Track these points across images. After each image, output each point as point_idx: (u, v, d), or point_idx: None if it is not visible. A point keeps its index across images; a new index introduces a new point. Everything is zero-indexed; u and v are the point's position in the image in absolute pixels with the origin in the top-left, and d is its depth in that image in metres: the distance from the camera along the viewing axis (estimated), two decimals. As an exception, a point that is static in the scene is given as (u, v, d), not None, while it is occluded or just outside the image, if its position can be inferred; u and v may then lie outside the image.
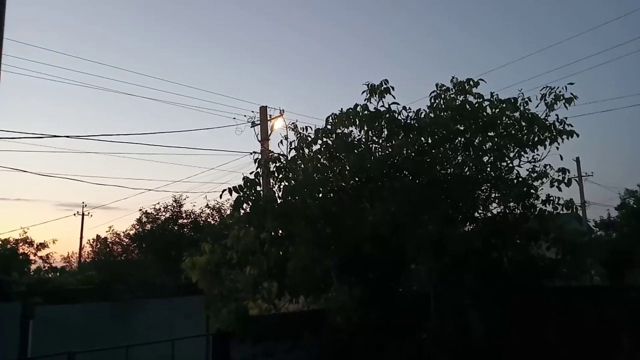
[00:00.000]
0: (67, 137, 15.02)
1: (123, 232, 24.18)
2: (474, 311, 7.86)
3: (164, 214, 23.04)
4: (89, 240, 29.00)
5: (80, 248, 35.76)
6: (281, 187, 9.08)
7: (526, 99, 8.99)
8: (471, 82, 9.15)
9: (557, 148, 8.86)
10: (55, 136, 14.40)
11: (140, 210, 23.41)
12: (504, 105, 8.98)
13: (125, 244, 24.06)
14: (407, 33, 76.08)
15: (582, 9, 64.43)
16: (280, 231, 9.37)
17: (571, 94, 8.78)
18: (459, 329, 7.91)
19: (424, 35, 76.63)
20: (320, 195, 8.86)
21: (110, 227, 31.33)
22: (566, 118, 8.85)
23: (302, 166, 9.10)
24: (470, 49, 77.20)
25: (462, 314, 7.96)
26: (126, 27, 65.40)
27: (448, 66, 72.02)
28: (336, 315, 8.17)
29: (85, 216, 42.16)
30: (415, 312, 8.13)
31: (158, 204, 23.64)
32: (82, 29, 64.08)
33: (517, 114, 8.98)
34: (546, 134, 8.81)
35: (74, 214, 42.34)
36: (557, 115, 8.84)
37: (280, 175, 9.13)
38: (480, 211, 9.18)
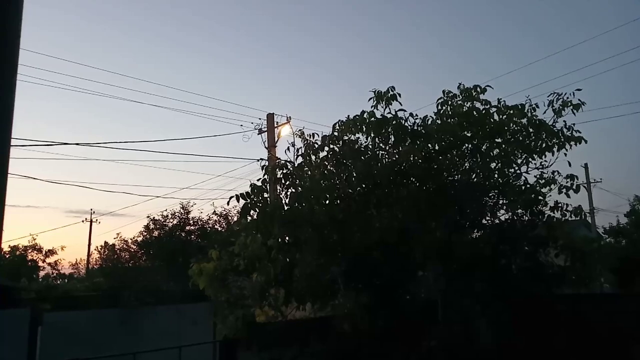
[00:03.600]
0: (77, 144, 15.17)
1: (131, 239, 24.29)
2: (482, 318, 7.82)
3: (171, 220, 23.12)
4: (97, 247, 29.14)
5: (89, 255, 35.91)
6: (288, 193, 9.09)
7: (533, 105, 8.97)
8: (478, 89, 9.14)
9: (565, 154, 8.82)
10: (64, 144, 14.54)
11: (148, 217, 23.52)
12: (512, 112, 8.96)
13: (132, 250, 24.15)
14: (416, 39, 76.05)
15: (590, 15, 64.09)
16: (287, 238, 9.38)
17: (579, 100, 8.75)
18: (467, 336, 7.86)
19: (433, 41, 76.58)
20: (327, 201, 8.86)
21: (118, 233, 31.48)
22: (574, 124, 8.83)
23: (309, 173, 9.12)
24: (479, 54, 77.06)
25: (470, 321, 7.92)
26: (133, 32, 65.93)
27: (457, 72, 71.89)
28: (343, 322, 8.15)
29: (93, 223, 42.38)
30: (422, 319, 8.09)
31: (165, 210, 23.76)
32: (89, 33, 64.64)
33: (524, 121, 8.95)
34: (554, 141, 8.77)
35: (82, 221, 42.61)
36: (564, 121, 8.82)
37: (287, 182, 9.15)
38: (488, 218, 9.14)
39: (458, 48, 77.37)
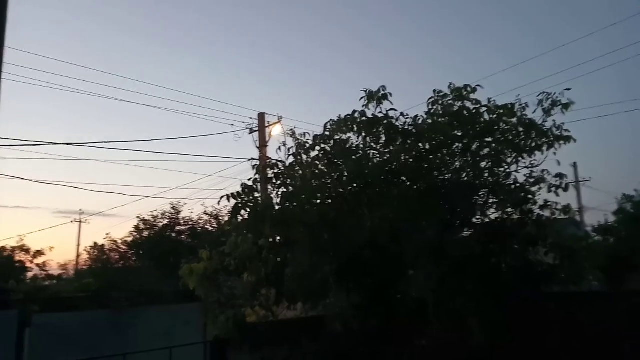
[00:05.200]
0: (66, 144, 15.02)
1: (120, 239, 24.10)
2: (473, 317, 7.85)
3: (161, 220, 22.98)
4: (86, 248, 28.87)
5: (78, 255, 35.62)
6: (279, 193, 9.09)
7: (523, 105, 9.02)
8: (468, 88, 9.17)
9: (555, 154, 8.88)
10: (54, 143, 14.38)
11: (137, 217, 23.36)
12: (502, 111, 9.00)
13: (122, 251, 23.97)
14: (410, 37, 75.95)
15: (585, 12, 63.97)
16: (278, 237, 9.37)
17: (568, 99, 8.82)
18: (459, 336, 7.89)
19: (428, 39, 76.36)
20: (319, 201, 8.87)
21: (107, 234, 31.22)
22: (563, 123, 8.89)
23: (300, 172, 9.11)
24: (474, 52, 76.86)
25: (461, 320, 7.95)
26: (123, 31, 65.48)
27: (451, 70, 71.54)
28: (335, 322, 8.15)
29: (82, 223, 42.08)
30: (414, 318, 8.12)
31: (156, 210, 23.62)
32: (80, 32, 64.12)
33: (514, 120, 9.00)
34: (543, 140, 8.83)
35: (72, 222, 42.27)
36: (554, 120, 8.87)
37: (279, 182, 9.14)
38: (478, 217, 9.18)
39: (453, 46, 77.39)
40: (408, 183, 8.87)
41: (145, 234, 22.89)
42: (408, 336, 8.19)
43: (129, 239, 23.52)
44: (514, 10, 69.17)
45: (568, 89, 8.86)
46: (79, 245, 39.96)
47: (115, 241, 24.29)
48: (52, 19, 59.41)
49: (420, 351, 7.99)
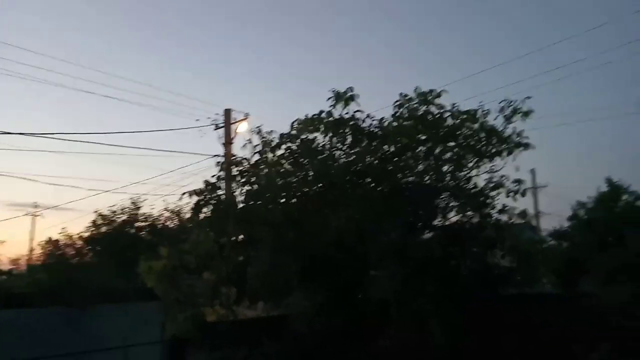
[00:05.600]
0: (21, 134, 14.38)
1: (77, 234, 23.36)
2: (434, 319, 7.96)
3: (120, 216, 22.42)
4: (40, 242, 27.81)
5: (31, 250, 34.30)
6: (243, 191, 9.00)
7: (486, 111, 9.23)
8: (433, 93, 9.31)
9: (514, 160, 9.11)
10: (8, 133, 13.80)
11: (95, 212, 22.71)
12: (464, 117, 9.18)
13: (78, 246, 23.24)
14: (385, 37, 75.99)
15: (570, 15, 64.83)
16: (241, 236, 9.28)
17: (528, 107, 9.06)
18: (420, 337, 7.99)
19: (403, 38, 76.54)
20: (283, 200, 8.83)
21: (63, 228, 30.20)
22: (523, 130, 9.13)
23: (266, 171, 9.05)
24: (454, 53, 77.15)
25: (423, 321, 8.05)
26: (86, 24, 63.66)
27: (429, 71, 71.65)
28: (297, 321, 8.14)
29: (37, 217, 40.54)
30: (377, 319, 8.17)
31: (115, 205, 22.99)
32: (39, 23, 61.92)
33: (476, 126, 9.19)
34: (504, 146, 9.05)
35: (25, 215, 40.63)
36: (514, 127, 9.11)
37: (243, 180, 9.06)
38: (439, 219, 9.32)
39: (431, 46, 77.59)
40: (372, 184, 8.94)
41: (103, 229, 22.28)
42: (371, 336, 8.25)
43: (86, 234, 22.85)
44: (496, 10, 69.70)
45: (528, 97, 9.13)
46: (32, 239, 38.47)
47: (71, 236, 23.54)
48: (12, 13, 57.20)
49: (382, 351, 8.05)
